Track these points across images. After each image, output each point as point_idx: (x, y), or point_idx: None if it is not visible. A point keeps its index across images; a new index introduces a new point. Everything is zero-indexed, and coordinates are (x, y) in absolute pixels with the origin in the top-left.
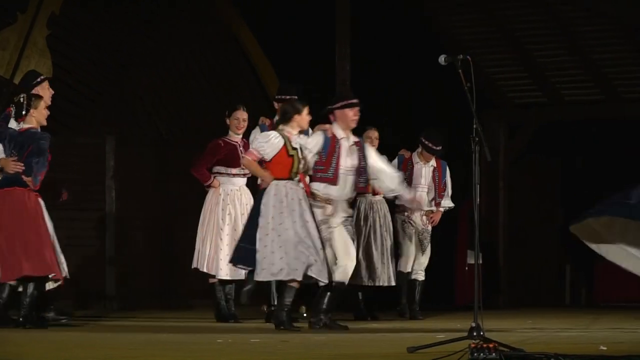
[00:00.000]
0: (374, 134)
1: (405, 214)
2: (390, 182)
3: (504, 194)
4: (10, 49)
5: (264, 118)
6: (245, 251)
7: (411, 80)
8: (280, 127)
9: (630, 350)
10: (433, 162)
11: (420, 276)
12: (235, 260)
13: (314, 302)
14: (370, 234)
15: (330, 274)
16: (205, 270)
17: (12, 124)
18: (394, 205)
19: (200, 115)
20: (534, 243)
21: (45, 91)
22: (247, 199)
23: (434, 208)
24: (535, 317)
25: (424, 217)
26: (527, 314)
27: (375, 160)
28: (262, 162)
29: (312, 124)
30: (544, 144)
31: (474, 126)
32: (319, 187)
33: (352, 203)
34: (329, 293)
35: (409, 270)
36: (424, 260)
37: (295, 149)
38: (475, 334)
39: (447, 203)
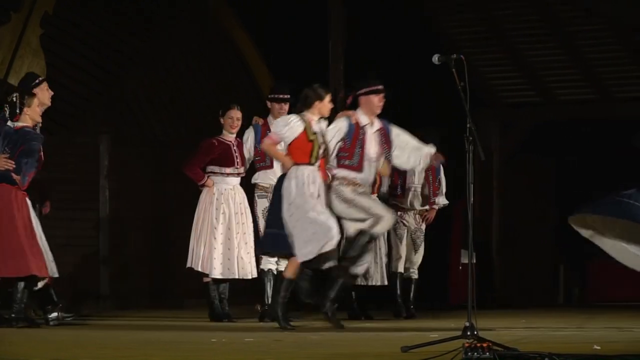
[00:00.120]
0: None
1: (399, 213)
2: (414, 158)
3: (498, 194)
4: (3, 48)
5: (258, 118)
6: (274, 237)
7: (411, 80)
8: (302, 112)
9: (624, 349)
10: None
11: (414, 275)
12: (267, 246)
13: (323, 288)
14: None
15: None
16: (199, 269)
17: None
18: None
19: (195, 116)
20: (527, 242)
21: (44, 92)
22: (241, 198)
23: (427, 207)
24: (529, 317)
25: (417, 216)
26: (520, 313)
27: (400, 141)
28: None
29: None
30: (537, 144)
31: (468, 125)
32: (344, 174)
33: None
34: (340, 281)
35: (401, 270)
36: (417, 259)
37: (315, 133)
38: (469, 333)
39: (441, 201)
